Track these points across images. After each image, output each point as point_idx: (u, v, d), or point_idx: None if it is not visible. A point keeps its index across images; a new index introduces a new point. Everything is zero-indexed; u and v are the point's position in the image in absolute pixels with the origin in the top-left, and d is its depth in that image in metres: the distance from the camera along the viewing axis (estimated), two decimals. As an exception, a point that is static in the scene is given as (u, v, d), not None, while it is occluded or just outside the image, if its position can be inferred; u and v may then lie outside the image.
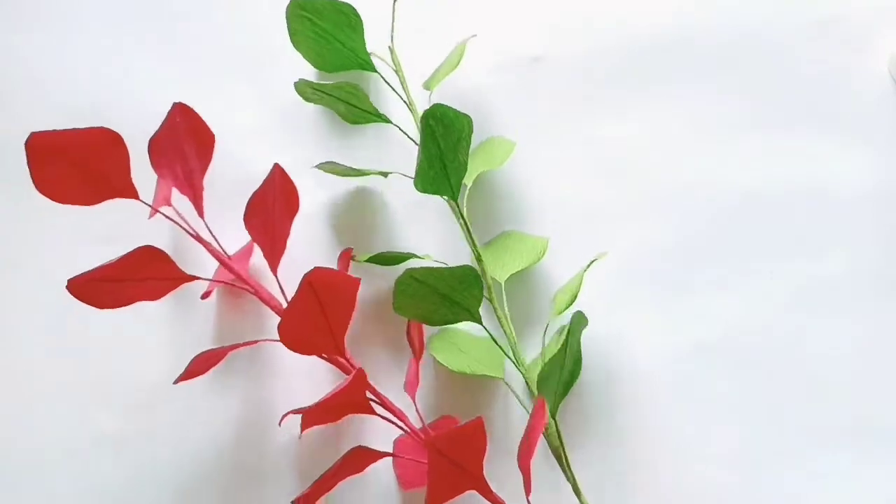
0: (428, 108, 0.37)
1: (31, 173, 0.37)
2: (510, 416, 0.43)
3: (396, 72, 0.45)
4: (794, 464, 0.43)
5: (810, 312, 0.43)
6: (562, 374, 0.38)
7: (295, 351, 0.37)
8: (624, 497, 0.42)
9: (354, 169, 0.44)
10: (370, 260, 0.42)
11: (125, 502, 0.43)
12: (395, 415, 0.39)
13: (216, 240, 0.42)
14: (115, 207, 0.44)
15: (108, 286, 0.38)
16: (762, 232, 0.45)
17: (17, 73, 0.48)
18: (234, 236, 0.44)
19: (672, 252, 0.45)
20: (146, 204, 0.40)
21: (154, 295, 0.39)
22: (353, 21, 0.43)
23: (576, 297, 0.41)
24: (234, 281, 0.42)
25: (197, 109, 0.44)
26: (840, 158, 0.46)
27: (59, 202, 0.38)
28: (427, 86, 0.46)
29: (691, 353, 0.44)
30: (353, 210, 0.46)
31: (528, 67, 0.47)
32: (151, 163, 0.40)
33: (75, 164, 0.37)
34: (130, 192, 0.39)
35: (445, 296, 0.38)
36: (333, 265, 0.44)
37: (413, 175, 0.39)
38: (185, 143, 0.40)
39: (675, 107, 0.47)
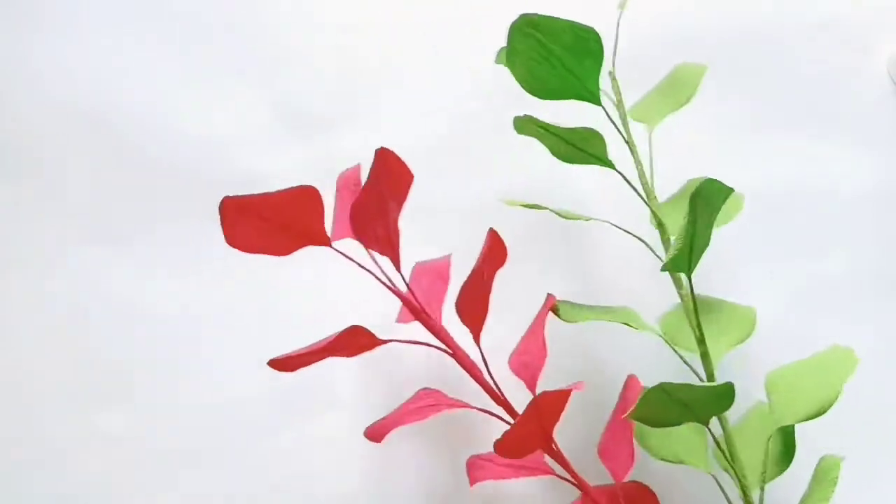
0: (700, 185, 0.33)
1: (222, 230, 0.35)
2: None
3: (617, 105, 0.41)
4: (794, 465, 0.41)
5: (810, 312, 0.43)
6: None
7: (509, 457, 0.36)
8: None
9: (552, 209, 0.40)
10: (579, 318, 0.38)
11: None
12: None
13: (413, 295, 0.38)
14: (114, 207, 0.46)
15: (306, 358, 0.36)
16: (762, 232, 0.45)
17: (19, 74, 0.48)
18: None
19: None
20: (340, 252, 0.37)
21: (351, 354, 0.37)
22: (593, 47, 0.37)
23: (829, 407, 0.36)
24: (433, 341, 0.39)
25: (196, 109, 0.46)
26: (840, 158, 0.46)
27: (251, 252, 0.36)
28: (641, 117, 0.41)
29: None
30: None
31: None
32: (353, 229, 0.37)
33: (269, 220, 0.35)
34: (324, 241, 0.36)
35: (686, 405, 0.35)
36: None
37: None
38: (386, 195, 0.36)
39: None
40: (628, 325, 0.38)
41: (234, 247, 0.35)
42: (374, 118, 0.47)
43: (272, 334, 0.44)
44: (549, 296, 0.39)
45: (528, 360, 0.39)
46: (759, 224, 0.45)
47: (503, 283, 0.41)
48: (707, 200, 0.34)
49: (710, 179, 0.34)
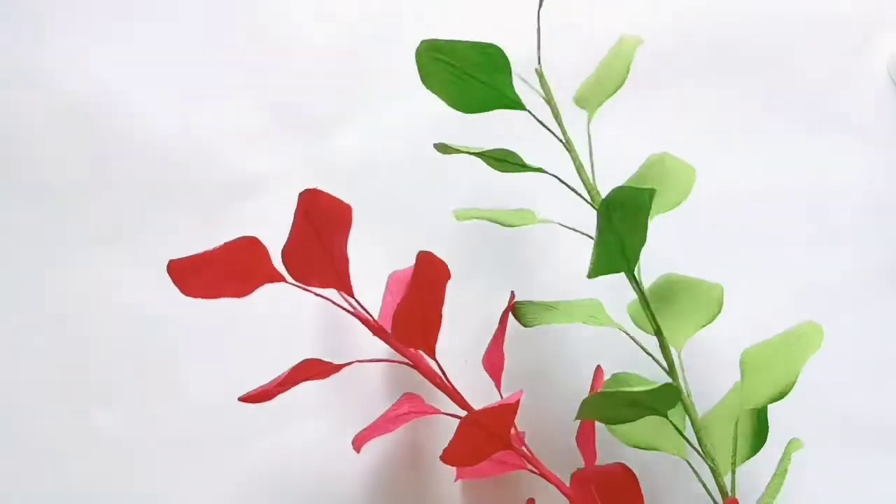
0: (610, 195, 0.34)
1: (177, 287, 0.37)
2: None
3: (548, 101, 0.41)
4: (794, 465, 0.40)
5: (811, 312, 0.41)
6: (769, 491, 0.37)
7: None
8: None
9: (510, 213, 0.42)
10: (539, 321, 0.39)
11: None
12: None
13: (367, 312, 0.41)
14: (114, 208, 0.46)
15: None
16: (762, 232, 0.45)
17: (15, 74, 0.48)
18: (234, 237, 0.43)
19: (672, 252, 0.44)
20: (297, 286, 0.39)
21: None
22: (498, 62, 0.38)
23: (789, 390, 0.37)
24: (392, 355, 0.41)
25: (193, 109, 0.46)
26: (840, 158, 0.46)
27: (211, 299, 0.38)
28: (583, 103, 0.41)
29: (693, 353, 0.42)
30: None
31: (526, 69, 0.43)
32: (291, 274, 0.38)
33: (218, 272, 0.37)
34: (278, 278, 0.38)
35: (634, 403, 0.36)
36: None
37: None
38: (321, 235, 0.38)
39: (674, 107, 0.47)
40: (587, 323, 0.39)
41: (193, 297, 0.37)
42: (372, 118, 0.48)
43: (271, 334, 0.45)
44: (511, 293, 0.40)
45: (494, 360, 0.40)
46: (759, 223, 0.45)
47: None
48: (623, 207, 0.34)
49: (622, 188, 0.34)
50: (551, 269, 0.45)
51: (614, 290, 0.42)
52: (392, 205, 0.46)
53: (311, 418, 0.44)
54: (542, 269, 0.45)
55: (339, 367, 0.39)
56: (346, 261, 0.39)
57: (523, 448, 0.39)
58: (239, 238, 0.37)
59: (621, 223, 0.35)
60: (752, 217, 0.46)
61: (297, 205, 0.37)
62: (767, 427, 0.39)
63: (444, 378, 0.40)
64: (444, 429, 0.41)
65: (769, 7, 0.48)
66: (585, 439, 0.39)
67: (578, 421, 0.39)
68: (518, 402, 0.37)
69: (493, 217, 0.41)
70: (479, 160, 0.40)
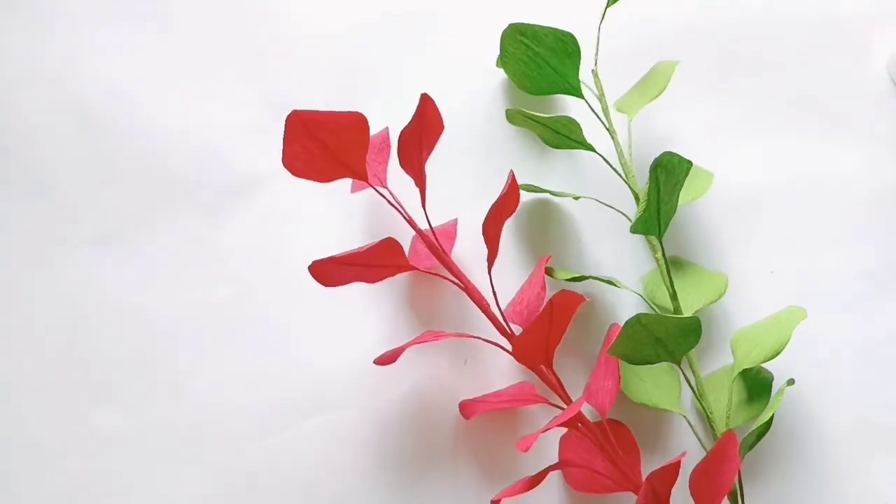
0: (659, 157, 0.38)
1: (283, 147, 0.38)
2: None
3: (599, 98, 0.46)
4: (793, 465, 0.43)
5: (810, 310, 0.43)
6: (759, 431, 0.39)
7: (525, 364, 0.40)
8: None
9: (550, 190, 0.46)
10: (569, 278, 0.43)
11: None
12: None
13: (433, 232, 0.43)
14: (114, 208, 0.46)
15: (344, 269, 0.39)
16: (762, 231, 0.45)
17: (14, 74, 0.48)
18: (234, 236, 0.45)
19: (672, 251, 0.46)
20: (378, 190, 0.41)
21: (374, 278, 0.40)
22: (571, 49, 0.44)
23: (779, 352, 0.40)
24: (444, 273, 0.43)
25: (193, 109, 0.45)
26: (840, 158, 0.46)
27: (298, 176, 0.39)
28: (623, 108, 0.46)
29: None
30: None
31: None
32: (400, 156, 0.40)
33: (323, 144, 0.38)
34: (363, 174, 0.40)
35: (660, 340, 0.39)
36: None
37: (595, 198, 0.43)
38: (422, 136, 0.41)
39: (674, 107, 0.47)
40: (612, 283, 0.43)
41: (289, 168, 0.38)
42: (372, 117, 0.45)
43: (270, 334, 0.45)
44: (543, 258, 0.44)
45: (522, 307, 0.43)
46: (759, 223, 0.45)
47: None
48: (667, 170, 0.38)
49: (669, 153, 0.38)
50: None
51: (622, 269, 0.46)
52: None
53: (309, 418, 0.44)
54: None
55: (412, 267, 0.41)
56: (424, 171, 0.42)
57: (551, 370, 0.41)
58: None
59: (664, 185, 0.39)
60: (752, 217, 0.46)
61: (418, 105, 0.39)
62: (766, 394, 0.42)
63: (493, 300, 0.42)
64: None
65: (769, 8, 0.48)
66: (599, 388, 0.41)
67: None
68: (583, 299, 0.40)
69: (539, 127, 0.44)
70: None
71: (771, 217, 0.46)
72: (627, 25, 0.48)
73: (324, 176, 0.39)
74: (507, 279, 0.45)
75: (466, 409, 0.42)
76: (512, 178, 0.41)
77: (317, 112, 0.37)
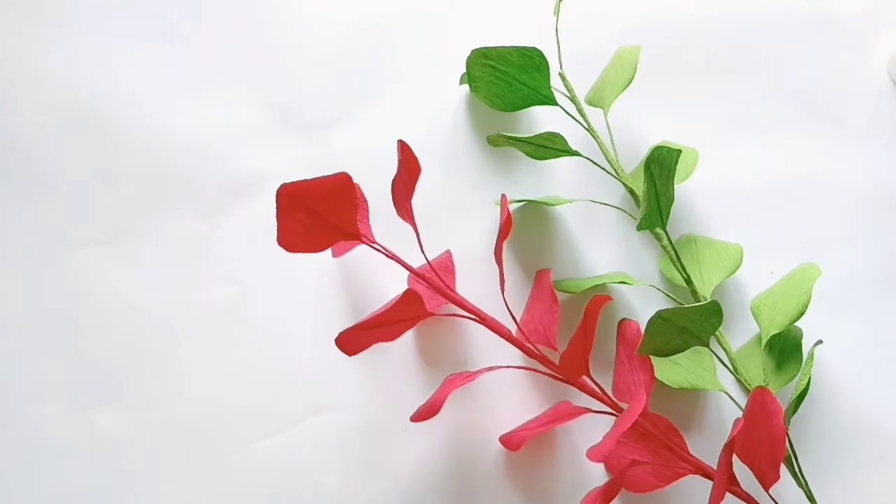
0: (650, 153, 0.38)
1: (278, 224, 0.37)
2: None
3: (572, 99, 0.46)
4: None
5: (810, 311, 0.42)
6: (797, 395, 0.39)
7: (569, 378, 0.40)
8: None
9: (543, 201, 0.46)
10: (571, 289, 0.44)
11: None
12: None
13: (434, 271, 0.42)
14: (110, 207, 0.46)
15: (368, 333, 0.38)
16: (762, 231, 0.46)
17: (14, 74, 0.48)
18: (234, 236, 0.45)
19: (675, 234, 0.46)
20: (372, 246, 0.41)
21: (395, 335, 0.40)
22: (538, 62, 0.44)
23: (803, 312, 0.41)
24: (456, 310, 0.43)
25: (193, 109, 0.46)
26: (840, 158, 0.46)
27: (294, 252, 0.38)
28: (596, 102, 0.46)
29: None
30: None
31: None
32: (395, 203, 0.40)
33: (315, 213, 0.38)
34: (355, 235, 0.39)
35: (685, 329, 0.39)
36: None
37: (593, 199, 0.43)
38: (409, 177, 0.40)
39: (673, 107, 0.47)
40: (625, 282, 0.43)
41: (283, 245, 0.37)
42: (372, 117, 0.48)
43: (270, 333, 0.45)
44: (541, 271, 0.44)
45: (536, 325, 0.43)
46: (758, 222, 0.46)
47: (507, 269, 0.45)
48: (659, 164, 0.39)
49: (659, 146, 0.38)
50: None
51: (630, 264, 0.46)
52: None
53: (309, 418, 0.44)
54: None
55: (432, 314, 0.40)
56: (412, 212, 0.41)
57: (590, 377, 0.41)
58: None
59: (659, 179, 0.39)
60: (752, 216, 0.46)
61: (399, 152, 0.39)
62: (799, 354, 0.42)
63: (513, 321, 0.42)
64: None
65: (769, 7, 0.48)
66: (629, 385, 0.41)
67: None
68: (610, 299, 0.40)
69: (523, 145, 0.44)
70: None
71: (771, 217, 0.46)
72: (631, 23, 0.48)
73: (318, 245, 0.39)
74: (509, 298, 0.45)
75: (511, 442, 0.42)
76: (505, 201, 0.41)
77: (303, 182, 0.37)
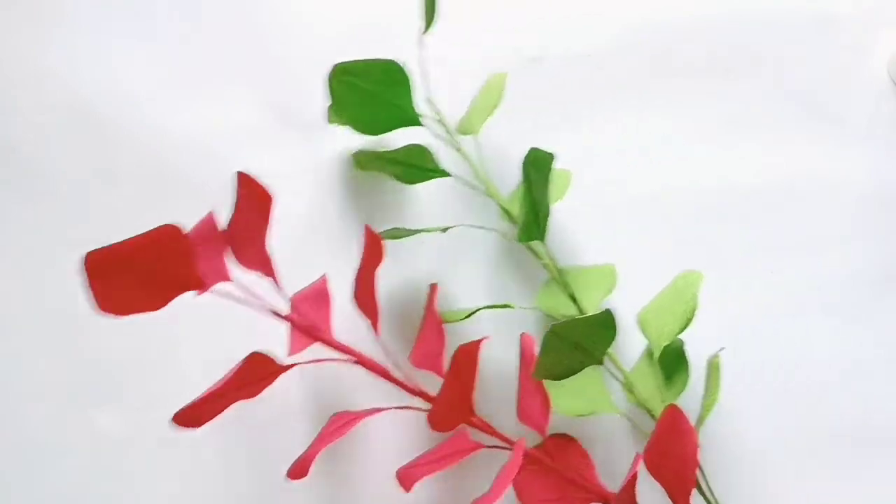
0: (526, 155, 0.37)
1: (93, 294, 0.34)
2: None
3: (440, 122, 0.45)
4: (794, 465, 0.43)
5: (810, 312, 0.43)
6: (706, 407, 0.39)
7: (446, 430, 0.38)
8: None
9: (416, 230, 0.44)
10: (462, 318, 0.41)
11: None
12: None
13: (301, 316, 0.40)
14: (110, 208, 0.46)
15: (216, 402, 0.37)
16: (761, 231, 0.46)
17: (15, 73, 0.48)
18: None
19: (672, 251, 0.45)
20: (218, 293, 0.38)
21: (253, 394, 0.38)
22: (399, 77, 0.42)
23: (690, 320, 0.40)
24: (334, 353, 0.40)
25: (193, 109, 0.46)
26: (840, 158, 0.46)
27: (125, 314, 0.36)
28: (467, 130, 0.45)
29: (692, 352, 0.43)
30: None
31: (526, 68, 0.47)
32: (234, 253, 0.38)
33: (138, 273, 0.35)
34: (197, 284, 0.36)
35: (578, 344, 0.37)
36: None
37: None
38: (254, 215, 0.38)
39: (673, 107, 0.47)
40: (508, 307, 0.41)
41: (108, 312, 0.35)
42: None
43: (270, 333, 0.43)
44: (433, 285, 0.42)
45: (427, 349, 0.41)
46: (758, 223, 0.45)
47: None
48: (536, 166, 0.38)
49: (533, 148, 0.37)
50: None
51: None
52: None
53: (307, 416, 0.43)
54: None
55: (286, 367, 0.38)
56: (268, 253, 0.38)
57: (477, 418, 0.40)
58: (161, 226, 0.35)
59: (535, 185, 0.38)
60: (752, 216, 0.46)
61: (237, 188, 0.37)
62: (685, 365, 0.41)
63: (390, 364, 0.40)
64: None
65: (769, 7, 0.48)
66: (530, 408, 0.40)
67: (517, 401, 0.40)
68: (482, 342, 0.38)
69: (390, 166, 0.43)
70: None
71: (770, 217, 0.46)
72: (631, 22, 0.48)
73: (155, 303, 0.36)
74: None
75: (406, 478, 0.39)
76: (368, 231, 0.39)
77: (114, 246, 0.34)
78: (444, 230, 0.43)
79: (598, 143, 0.47)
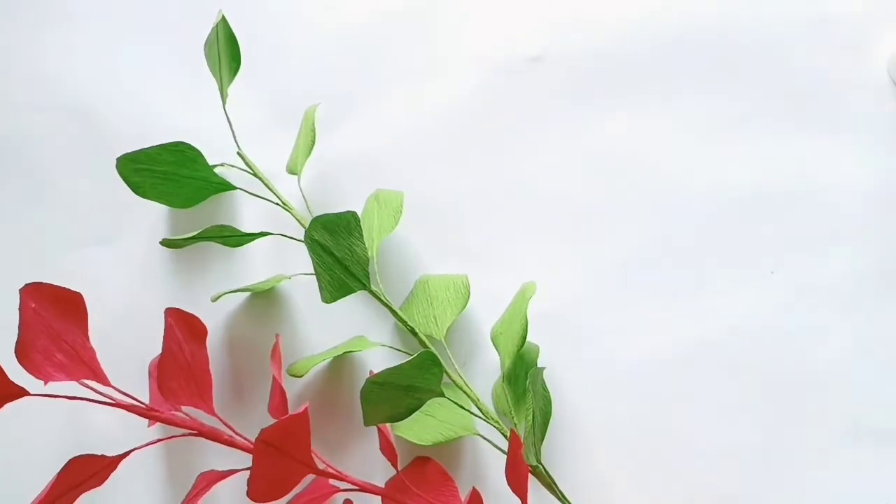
0: (308, 228, 0.37)
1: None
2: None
3: (255, 174, 0.45)
4: (795, 465, 0.43)
5: (811, 311, 0.43)
6: (535, 422, 0.39)
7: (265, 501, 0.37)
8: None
9: (251, 286, 0.44)
10: (298, 373, 0.42)
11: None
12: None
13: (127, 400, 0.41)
14: (111, 207, 0.46)
15: None
16: (762, 231, 0.45)
17: (18, 73, 0.48)
18: None
19: (673, 251, 0.45)
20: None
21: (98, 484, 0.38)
22: (190, 154, 0.42)
23: (525, 336, 0.40)
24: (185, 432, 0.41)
25: (194, 110, 0.46)
26: (840, 158, 0.46)
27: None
28: (291, 170, 0.45)
29: (692, 353, 0.44)
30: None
31: (526, 68, 0.47)
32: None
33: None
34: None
35: (408, 387, 0.37)
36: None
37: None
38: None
39: (674, 107, 0.47)
40: (355, 350, 0.42)
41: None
42: (372, 119, 0.47)
43: (269, 333, 0.44)
44: (277, 336, 0.43)
45: (277, 402, 0.41)
46: (759, 223, 0.45)
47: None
48: (329, 231, 0.38)
49: (315, 220, 0.37)
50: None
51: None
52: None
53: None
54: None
55: (121, 457, 0.38)
56: (91, 350, 0.39)
57: (322, 468, 0.39)
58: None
59: (335, 247, 0.38)
60: (751, 216, 0.46)
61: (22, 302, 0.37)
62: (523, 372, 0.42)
63: (232, 431, 0.40)
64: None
65: (769, 6, 0.48)
66: (386, 444, 0.40)
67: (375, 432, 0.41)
68: (306, 412, 0.37)
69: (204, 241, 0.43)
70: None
71: (770, 217, 0.46)
72: (590, 19, 0.48)
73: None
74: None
75: None
76: (168, 316, 0.39)
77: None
78: (288, 278, 0.43)
79: (597, 144, 0.46)
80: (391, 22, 0.48)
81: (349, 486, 0.40)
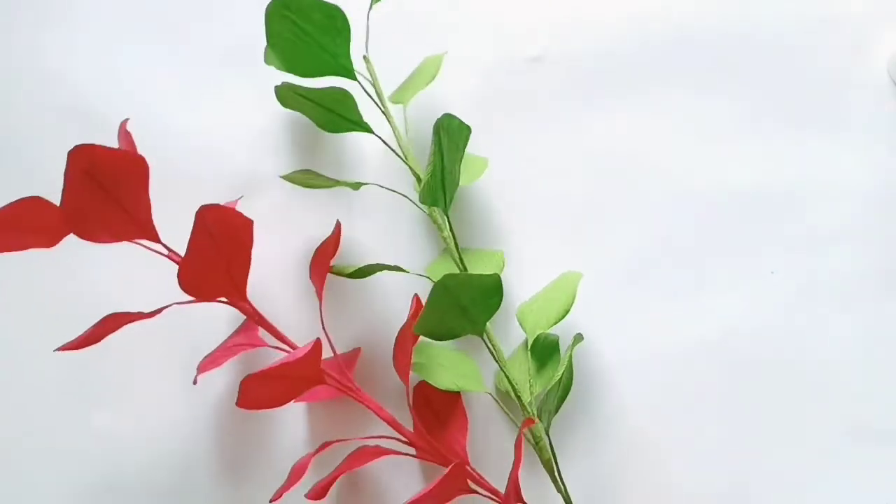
0: (440, 119, 0.37)
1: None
2: (492, 426, 0.44)
3: (373, 83, 0.44)
4: (795, 465, 0.43)
5: (811, 311, 0.43)
6: (562, 384, 0.39)
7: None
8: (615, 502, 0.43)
9: (326, 179, 0.43)
10: (352, 273, 0.41)
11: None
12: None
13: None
14: None
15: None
16: (762, 231, 0.45)
17: (14, 70, 0.48)
18: None
19: (673, 251, 0.45)
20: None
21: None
22: (339, 24, 0.41)
23: (568, 311, 0.41)
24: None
25: (196, 110, 0.46)
26: (840, 158, 0.46)
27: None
28: (398, 99, 0.45)
29: (692, 353, 0.44)
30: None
31: (526, 68, 0.48)
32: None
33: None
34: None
35: (464, 308, 0.37)
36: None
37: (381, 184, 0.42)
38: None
39: (674, 107, 0.47)
40: (399, 270, 0.41)
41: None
42: (372, 118, 0.46)
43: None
44: (337, 222, 0.43)
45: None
46: (759, 223, 0.45)
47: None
48: (449, 133, 0.37)
49: (449, 115, 0.37)
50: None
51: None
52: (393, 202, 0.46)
53: None
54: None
55: (151, 314, 0.38)
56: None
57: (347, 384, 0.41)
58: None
59: (447, 152, 0.37)
60: (751, 216, 0.45)
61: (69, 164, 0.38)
62: (558, 353, 0.42)
63: (260, 315, 0.41)
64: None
65: (769, 6, 0.48)
66: (401, 359, 0.41)
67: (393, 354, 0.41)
68: (317, 348, 0.38)
69: (311, 107, 0.43)
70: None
71: (771, 217, 0.46)
72: (589, 18, 0.48)
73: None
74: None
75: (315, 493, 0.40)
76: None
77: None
78: (357, 187, 0.42)
79: (597, 143, 0.46)
80: (391, 22, 0.48)
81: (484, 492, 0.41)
